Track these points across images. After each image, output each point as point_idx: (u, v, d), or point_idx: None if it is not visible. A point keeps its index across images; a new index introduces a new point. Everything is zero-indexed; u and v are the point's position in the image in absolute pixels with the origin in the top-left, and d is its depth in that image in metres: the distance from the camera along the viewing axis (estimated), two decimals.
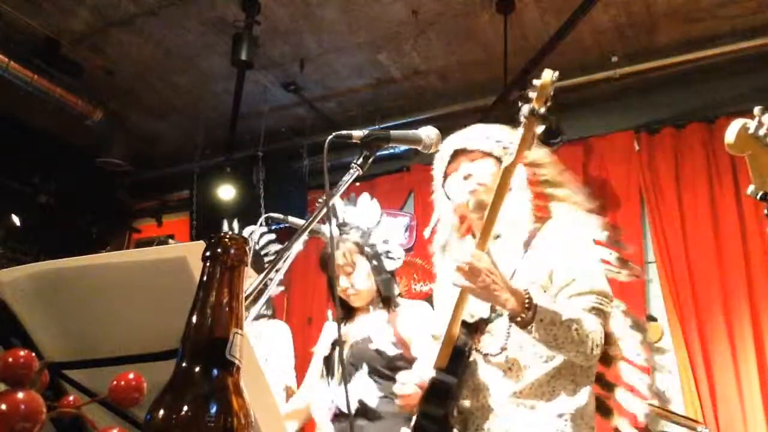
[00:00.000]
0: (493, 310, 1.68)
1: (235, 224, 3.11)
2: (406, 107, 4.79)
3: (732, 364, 3.57)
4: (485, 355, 1.67)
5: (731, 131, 1.10)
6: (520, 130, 1.55)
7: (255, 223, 2.96)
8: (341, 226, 2.41)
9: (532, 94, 1.53)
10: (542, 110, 1.52)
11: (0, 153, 4.95)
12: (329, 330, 2.49)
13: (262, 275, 1.42)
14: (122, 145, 5.16)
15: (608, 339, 1.69)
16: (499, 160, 1.79)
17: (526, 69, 3.85)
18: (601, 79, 4.07)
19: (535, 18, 3.89)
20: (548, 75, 1.52)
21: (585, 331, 1.54)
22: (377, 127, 4.53)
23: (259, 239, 2.89)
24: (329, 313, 2.59)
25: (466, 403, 1.66)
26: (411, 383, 1.66)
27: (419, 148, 1.51)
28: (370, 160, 1.42)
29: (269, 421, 0.76)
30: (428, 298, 2.94)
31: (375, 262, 2.33)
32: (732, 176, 3.84)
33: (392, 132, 1.47)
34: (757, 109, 1.08)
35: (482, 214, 1.73)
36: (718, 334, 3.64)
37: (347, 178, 1.40)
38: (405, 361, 2.22)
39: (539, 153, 1.84)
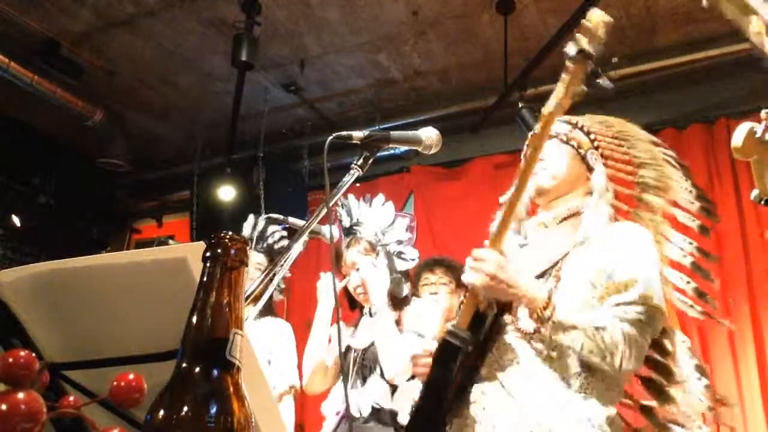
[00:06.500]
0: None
1: (260, 220, 3.09)
2: (406, 108, 4.79)
3: (732, 364, 3.57)
4: (518, 329, 1.57)
5: (738, 135, 1.05)
6: (563, 75, 1.44)
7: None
8: (355, 225, 2.39)
9: (579, 35, 1.40)
10: (591, 48, 1.39)
11: (0, 153, 4.95)
12: (348, 331, 2.46)
13: (262, 275, 1.43)
14: (122, 146, 5.16)
15: (668, 373, 1.61)
16: (579, 150, 1.73)
17: (526, 69, 3.86)
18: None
19: (535, 18, 3.89)
20: (598, 15, 1.38)
21: (615, 340, 1.43)
22: (377, 127, 4.53)
23: (274, 233, 2.90)
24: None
25: (483, 374, 1.57)
26: (425, 350, 1.63)
27: (419, 148, 1.50)
28: (370, 160, 1.42)
29: (269, 421, 0.76)
30: None
31: (386, 261, 2.31)
32: (732, 177, 3.83)
33: (392, 133, 1.47)
34: (764, 112, 1.05)
35: (542, 199, 1.71)
36: (718, 334, 3.64)
37: (347, 179, 1.40)
38: None
39: (649, 150, 1.75)
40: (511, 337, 1.58)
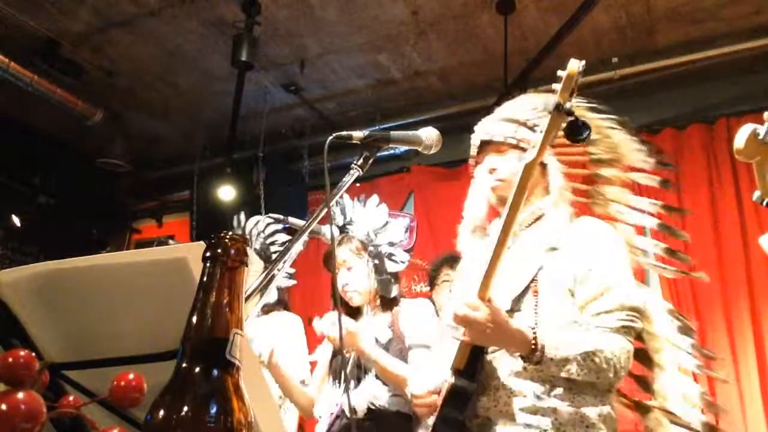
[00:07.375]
0: (515, 304, 1.61)
1: (242, 216, 3.10)
2: (407, 108, 4.79)
3: (732, 364, 3.57)
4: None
5: (741, 137, 1.05)
6: (544, 126, 1.48)
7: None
8: (347, 224, 2.41)
9: (557, 87, 1.44)
10: (568, 105, 1.43)
11: (0, 153, 4.95)
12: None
13: (263, 276, 1.42)
14: (122, 146, 5.17)
15: (651, 340, 1.64)
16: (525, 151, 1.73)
17: (526, 69, 3.86)
18: (601, 80, 4.08)
19: (535, 18, 3.89)
20: (574, 65, 1.42)
21: (606, 357, 1.47)
22: (377, 127, 4.53)
23: (265, 228, 2.90)
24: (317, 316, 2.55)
25: (485, 403, 1.59)
26: (426, 390, 1.64)
27: (419, 148, 1.50)
28: (370, 160, 1.42)
29: (269, 421, 0.76)
30: (429, 298, 2.94)
31: (376, 262, 2.33)
32: (732, 177, 3.84)
33: (392, 133, 1.46)
34: (766, 114, 1.05)
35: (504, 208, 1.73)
36: (718, 333, 3.64)
37: (347, 179, 1.40)
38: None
39: (596, 126, 1.74)
40: (499, 353, 1.61)
